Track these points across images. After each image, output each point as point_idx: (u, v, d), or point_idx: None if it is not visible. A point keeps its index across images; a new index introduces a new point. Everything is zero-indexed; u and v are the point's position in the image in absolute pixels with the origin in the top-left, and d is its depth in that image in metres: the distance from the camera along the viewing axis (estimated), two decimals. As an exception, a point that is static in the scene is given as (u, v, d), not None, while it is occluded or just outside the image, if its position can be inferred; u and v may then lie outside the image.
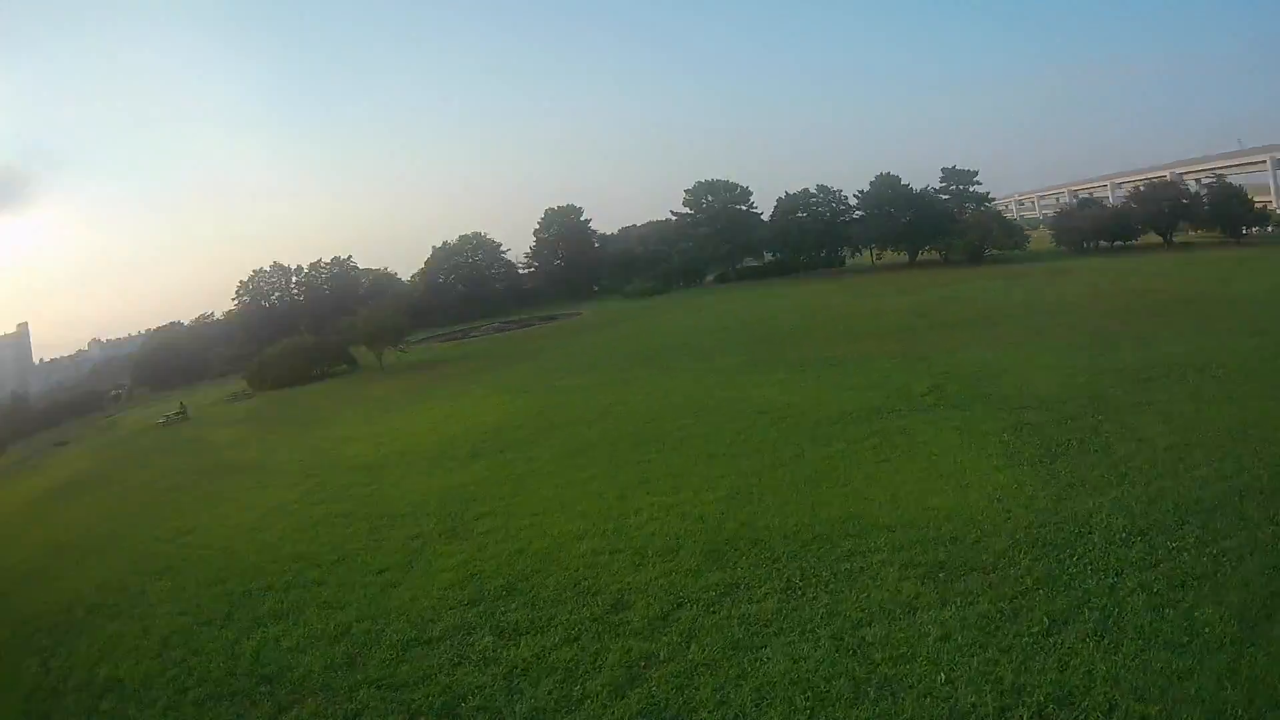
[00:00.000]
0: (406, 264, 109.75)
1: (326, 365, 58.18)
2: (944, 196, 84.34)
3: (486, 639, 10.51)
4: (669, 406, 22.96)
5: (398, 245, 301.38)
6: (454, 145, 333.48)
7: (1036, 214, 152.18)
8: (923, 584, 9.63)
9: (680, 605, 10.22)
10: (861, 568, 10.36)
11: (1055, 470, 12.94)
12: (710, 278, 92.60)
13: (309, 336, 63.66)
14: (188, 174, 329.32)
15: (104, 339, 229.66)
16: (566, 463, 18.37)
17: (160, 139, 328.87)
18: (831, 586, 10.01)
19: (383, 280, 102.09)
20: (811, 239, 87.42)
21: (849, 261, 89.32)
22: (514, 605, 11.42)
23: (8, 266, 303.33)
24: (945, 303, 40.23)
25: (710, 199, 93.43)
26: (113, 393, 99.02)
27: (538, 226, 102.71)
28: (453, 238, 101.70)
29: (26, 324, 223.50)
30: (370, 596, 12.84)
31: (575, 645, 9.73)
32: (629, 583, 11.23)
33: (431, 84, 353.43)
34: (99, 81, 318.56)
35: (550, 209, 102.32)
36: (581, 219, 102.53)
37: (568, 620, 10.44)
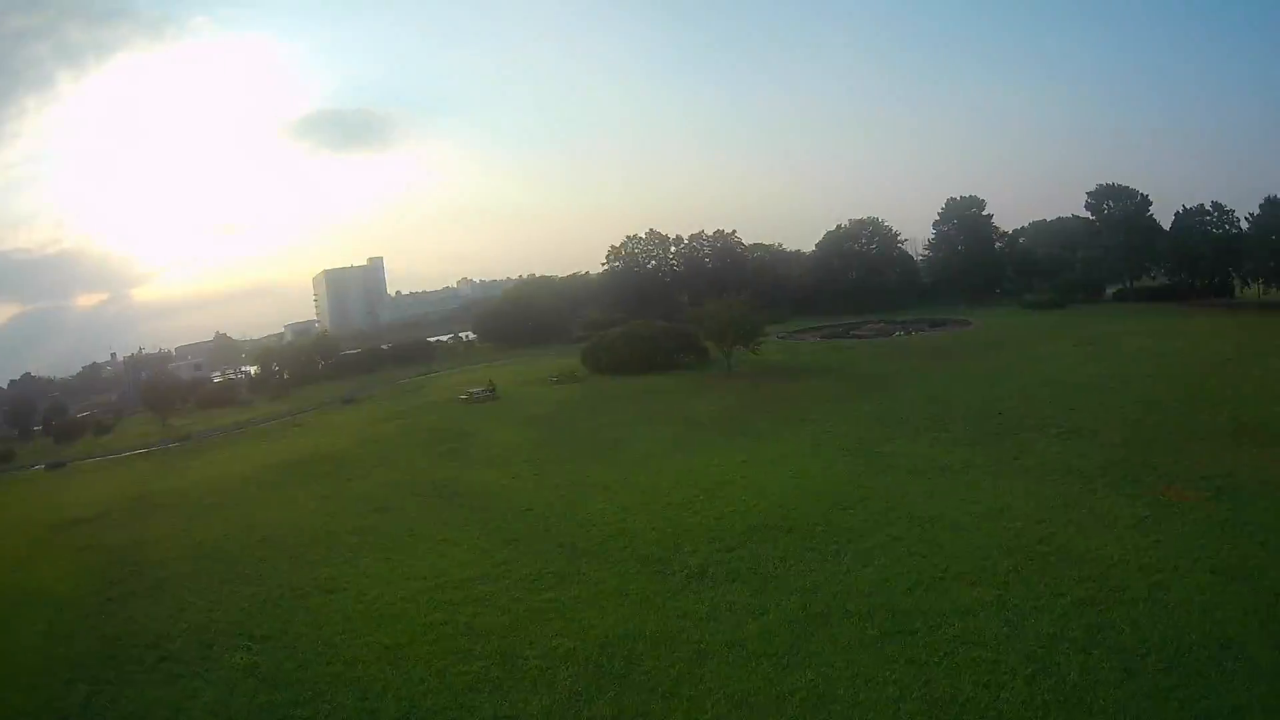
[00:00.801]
0: (796, 244, 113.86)
1: (673, 354, 56.94)
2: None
3: None
4: (970, 544, 18.35)
5: (787, 222, 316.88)
6: (853, 124, 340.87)
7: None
8: None
9: None
10: None
11: None
12: (1110, 293, 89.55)
13: (654, 323, 63.72)
14: (579, 131, 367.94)
15: (477, 279, 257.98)
16: (789, 640, 14.58)
17: (555, 95, 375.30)
18: None
19: (772, 257, 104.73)
20: (1206, 262, 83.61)
21: (1237, 293, 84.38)
22: None
23: (371, 202, 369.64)
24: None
25: (1111, 205, 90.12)
26: (448, 338, 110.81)
27: (937, 218, 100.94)
28: (846, 220, 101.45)
29: (381, 258, 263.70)
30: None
31: None
32: None
33: (833, 63, 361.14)
34: (499, 31, 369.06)
35: (952, 199, 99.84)
36: (983, 213, 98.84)
37: None
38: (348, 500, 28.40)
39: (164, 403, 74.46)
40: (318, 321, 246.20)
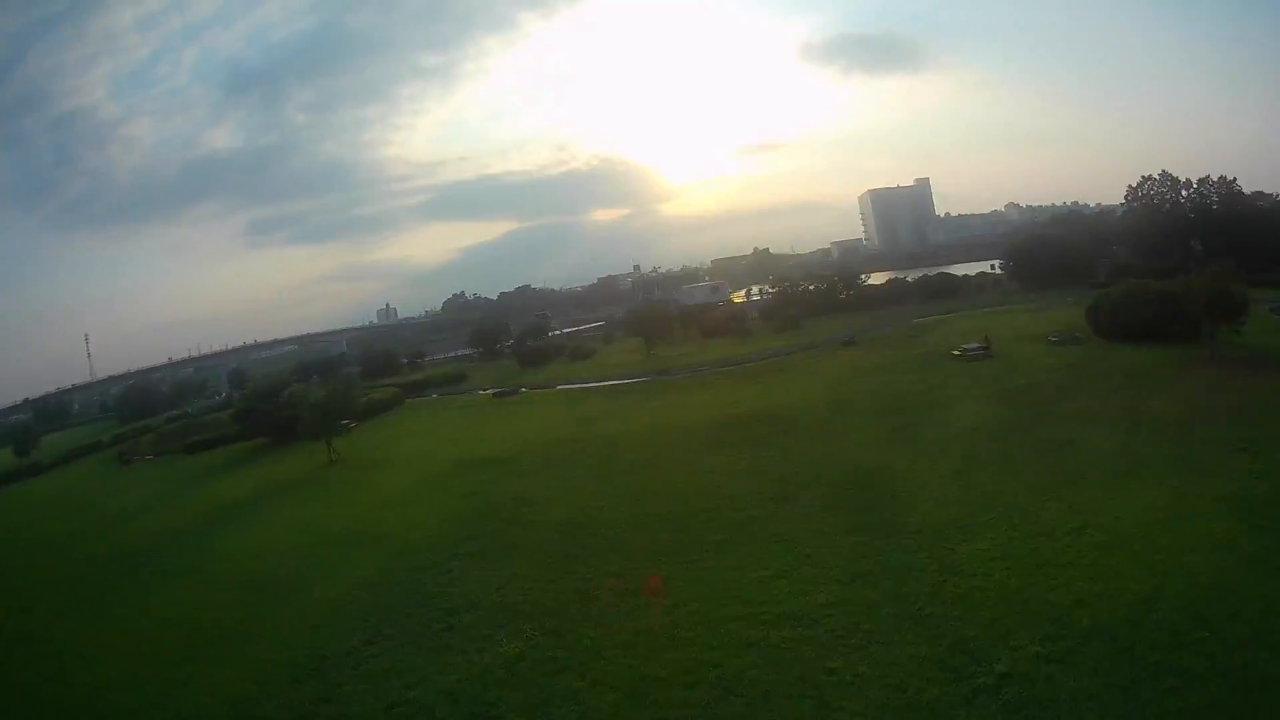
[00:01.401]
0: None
1: (1167, 322, 48.85)
2: None
3: None
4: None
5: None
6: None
7: None
8: None
9: None
10: None
11: None
12: None
13: (1149, 284, 55.56)
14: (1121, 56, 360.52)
15: (1023, 204, 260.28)
16: None
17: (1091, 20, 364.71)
18: None
19: (1271, 207, 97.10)
20: None
21: None
22: None
23: (912, 123, 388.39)
24: None
25: None
26: (976, 274, 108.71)
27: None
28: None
29: (928, 179, 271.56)
30: None
31: None
32: None
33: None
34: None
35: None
36: None
37: None
38: (757, 477, 28.58)
39: (653, 331, 75.70)
40: (865, 239, 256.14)
